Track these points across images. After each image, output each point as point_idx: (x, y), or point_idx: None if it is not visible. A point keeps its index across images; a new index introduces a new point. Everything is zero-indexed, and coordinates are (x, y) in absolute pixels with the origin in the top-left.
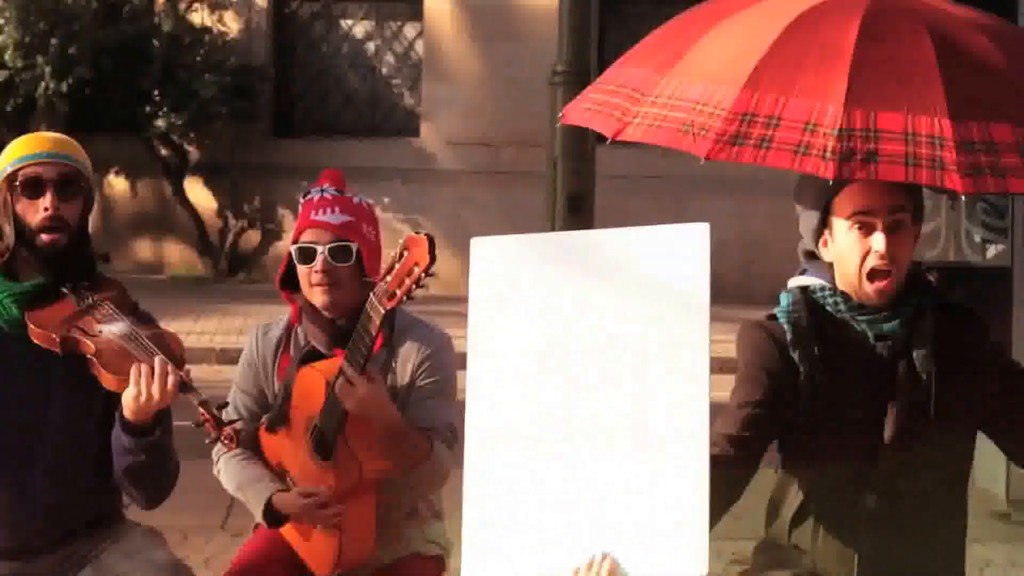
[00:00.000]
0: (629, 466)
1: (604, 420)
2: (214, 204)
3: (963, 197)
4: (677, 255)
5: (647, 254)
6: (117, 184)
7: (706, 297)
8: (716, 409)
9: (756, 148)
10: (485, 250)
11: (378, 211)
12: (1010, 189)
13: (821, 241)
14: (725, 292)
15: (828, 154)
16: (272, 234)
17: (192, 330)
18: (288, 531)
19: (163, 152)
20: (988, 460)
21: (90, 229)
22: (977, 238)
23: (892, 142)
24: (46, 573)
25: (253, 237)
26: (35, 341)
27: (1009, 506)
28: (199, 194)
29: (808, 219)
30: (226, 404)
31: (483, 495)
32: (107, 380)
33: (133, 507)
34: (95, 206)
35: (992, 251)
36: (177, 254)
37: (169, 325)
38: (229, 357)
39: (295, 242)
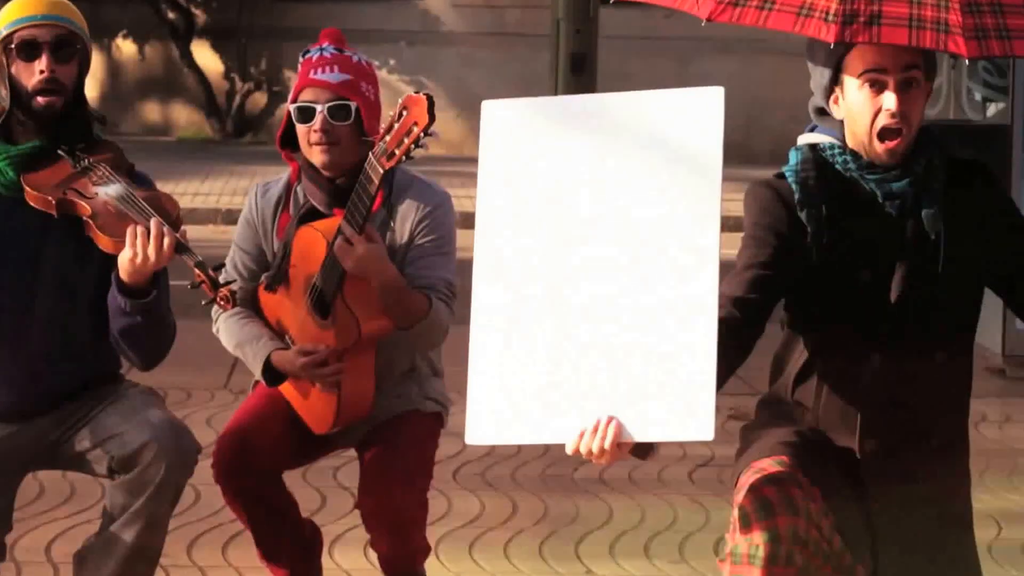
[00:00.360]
0: (637, 328)
1: (613, 282)
2: (221, 67)
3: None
4: (690, 118)
5: (660, 117)
6: (124, 48)
7: (718, 160)
8: (722, 268)
9: (758, 10)
10: (496, 113)
11: (383, 73)
12: (1016, 52)
13: (832, 98)
14: (727, 151)
15: (831, 16)
16: (278, 96)
17: (199, 191)
18: (287, 389)
19: (170, 15)
20: (984, 316)
21: (87, 91)
22: (977, 96)
23: (896, 3)
24: (43, 434)
25: (259, 99)
26: (31, 204)
27: (1004, 362)
28: (206, 57)
29: (819, 75)
30: (222, 265)
31: (489, 354)
32: (103, 242)
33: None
34: (98, 68)
35: (992, 109)
36: (184, 116)
37: (176, 186)
38: (234, 218)
39: (294, 101)
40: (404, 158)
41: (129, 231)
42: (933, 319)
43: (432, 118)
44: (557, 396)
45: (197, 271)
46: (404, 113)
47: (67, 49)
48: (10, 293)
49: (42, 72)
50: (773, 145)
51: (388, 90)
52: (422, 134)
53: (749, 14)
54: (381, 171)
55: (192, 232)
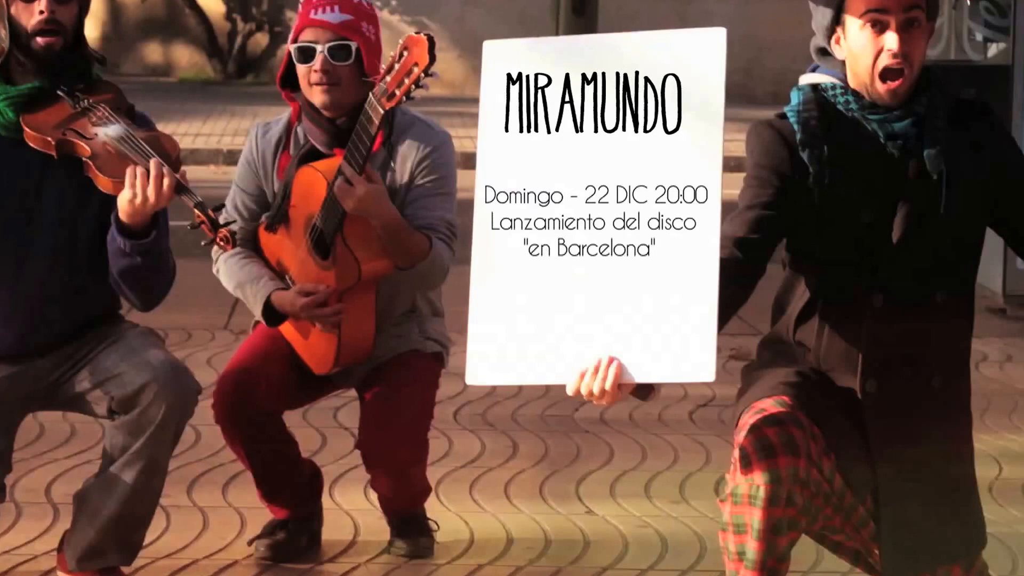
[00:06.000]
0: (639, 268)
1: (615, 222)
2: (222, 7)
3: None
4: (693, 60)
5: (662, 58)
6: None
7: (721, 101)
8: (724, 209)
9: None
10: (497, 53)
11: (384, 13)
12: None
13: (833, 39)
14: (728, 93)
15: None
16: (280, 37)
17: (200, 132)
18: (287, 329)
19: None
20: (985, 256)
21: (87, 32)
22: (979, 36)
23: None
24: (43, 374)
25: (261, 40)
26: (30, 144)
27: (1005, 302)
28: None
29: (821, 15)
30: (222, 206)
31: (490, 294)
32: (103, 183)
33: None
34: (99, 8)
35: (993, 49)
36: (186, 57)
37: (177, 127)
38: (235, 159)
39: (294, 41)
40: (404, 98)
41: (129, 171)
42: (934, 259)
43: (433, 58)
44: (558, 336)
45: (197, 212)
46: (405, 53)
47: None
48: (10, 234)
49: (41, 12)
50: (774, 86)
51: (389, 30)
52: (423, 74)
53: None
54: (381, 111)
55: (193, 173)
